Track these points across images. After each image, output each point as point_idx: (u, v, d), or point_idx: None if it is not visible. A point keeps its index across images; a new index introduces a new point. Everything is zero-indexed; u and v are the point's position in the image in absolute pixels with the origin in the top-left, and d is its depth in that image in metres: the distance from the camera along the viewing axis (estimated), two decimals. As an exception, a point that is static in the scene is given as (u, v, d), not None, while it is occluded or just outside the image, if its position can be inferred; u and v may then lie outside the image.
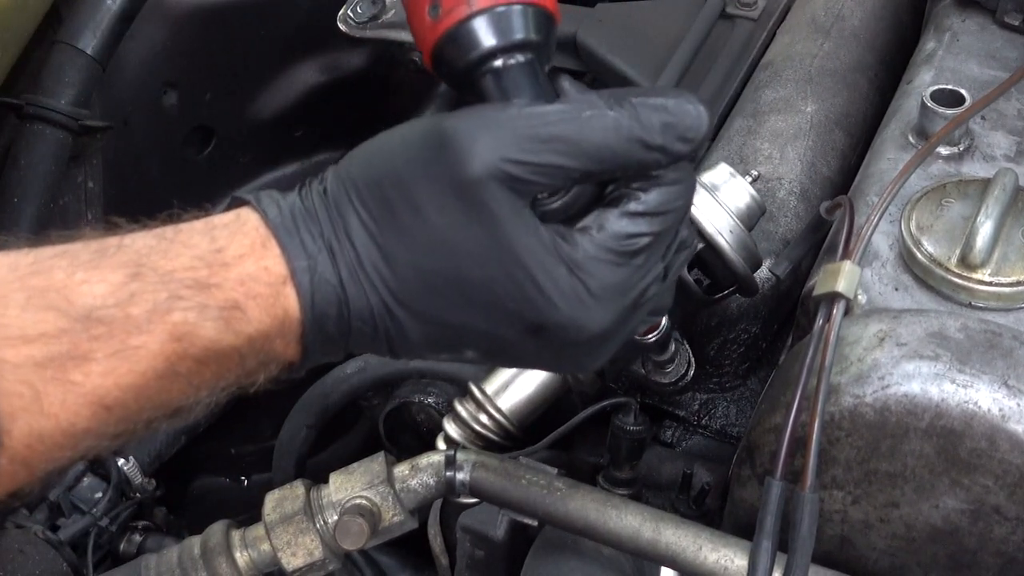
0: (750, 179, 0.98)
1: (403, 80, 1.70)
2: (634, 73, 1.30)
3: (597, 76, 1.40)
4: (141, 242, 0.63)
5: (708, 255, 0.93)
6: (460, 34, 0.69)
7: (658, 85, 1.25)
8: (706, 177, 0.96)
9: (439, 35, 0.70)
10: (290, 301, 0.64)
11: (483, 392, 0.96)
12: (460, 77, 0.71)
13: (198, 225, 0.65)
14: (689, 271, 0.94)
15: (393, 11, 1.47)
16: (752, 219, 0.97)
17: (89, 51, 1.33)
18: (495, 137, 0.64)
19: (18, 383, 0.57)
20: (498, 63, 0.70)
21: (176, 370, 0.62)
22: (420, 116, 1.51)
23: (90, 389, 0.59)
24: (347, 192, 0.65)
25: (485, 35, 0.69)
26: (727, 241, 0.92)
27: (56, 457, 0.60)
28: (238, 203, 0.67)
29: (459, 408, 0.97)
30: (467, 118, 0.65)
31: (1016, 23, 1.13)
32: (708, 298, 0.98)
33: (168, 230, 0.64)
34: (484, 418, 0.96)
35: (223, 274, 0.63)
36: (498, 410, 0.96)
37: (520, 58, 0.70)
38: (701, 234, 0.92)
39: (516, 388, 0.97)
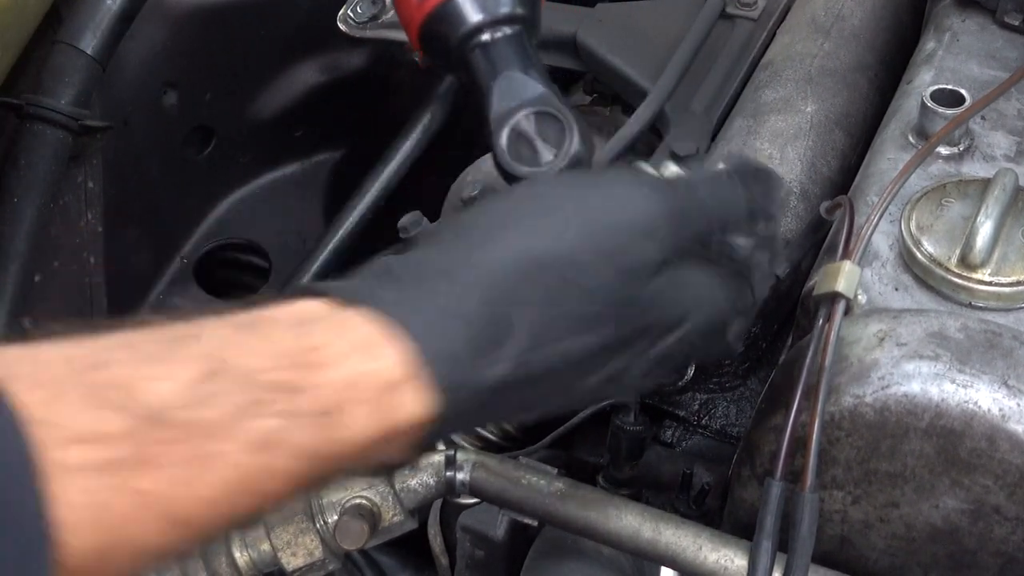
0: None
1: (403, 80, 1.70)
2: (634, 73, 1.30)
3: (597, 76, 1.40)
4: (216, 331, 0.56)
5: None
6: (447, 11, 0.71)
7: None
8: None
9: (426, 13, 0.71)
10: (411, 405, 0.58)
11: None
12: (449, 55, 0.72)
13: (281, 316, 0.58)
14: None
15: (393, 11, 1.46)
16: None
17: (89, 51, 1.33)
18: None
19: (77, 492, 0.48)
20: (486, 37, 0.71)
21: (260, 481, 0.55)
22: (426, 119, 1.51)
23: (158, 499, 0.51)
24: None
25: (471, 10, 0.71)
26: None
27: None
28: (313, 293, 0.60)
29: (459, 408, 0.97)
30: None
31: (1016, 23, 1.13)
32: None
33: (248, 318, 0.58)
34: (484, 418, 0.96)
35: (318, 376, 0.56)
36: (498, 410, 0.96)
37: (507, 31, 0.72)
38: None
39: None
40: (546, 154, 0.67)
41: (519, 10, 0.71)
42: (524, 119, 0.68)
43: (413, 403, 0.58)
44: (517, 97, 0.68)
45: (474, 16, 0.70)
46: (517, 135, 0.68)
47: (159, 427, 0.51)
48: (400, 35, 1.44)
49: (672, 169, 0.71)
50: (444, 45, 0.71)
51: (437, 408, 0.58)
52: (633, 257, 0.63)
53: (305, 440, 0.55)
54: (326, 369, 0.56)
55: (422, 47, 0.73)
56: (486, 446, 0.97)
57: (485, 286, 0.60)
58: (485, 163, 1.23)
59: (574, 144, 0.67)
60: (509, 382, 0.60)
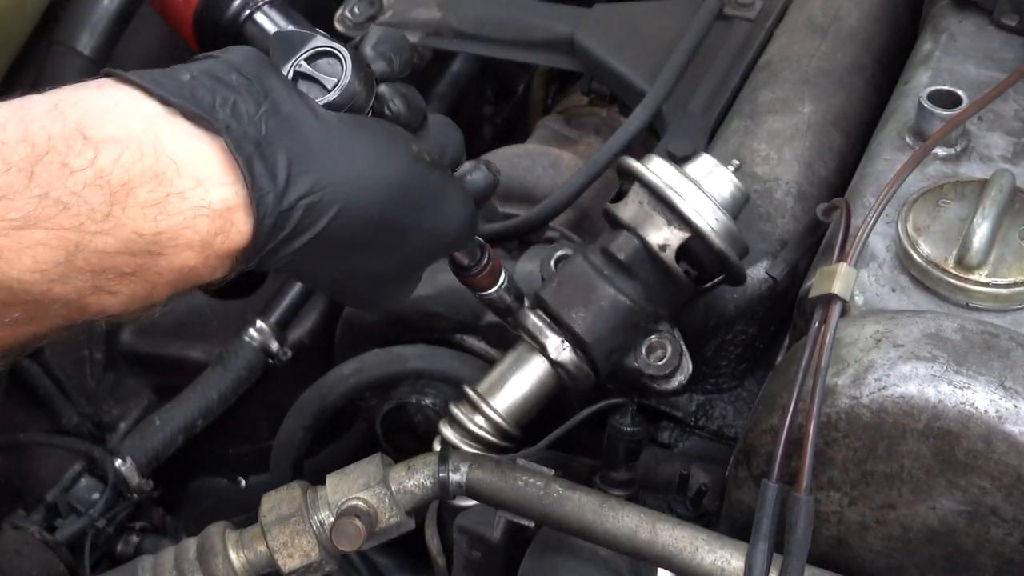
0: (732, 168, 0.99)
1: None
2: (631, 74, 1.30)
3: (594, 76, 1.40)
4: (88, 201, 0.61)
5: (695, 244, 0.94)
6: (212, 2, 0.85)
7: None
8: (689, 169, 0.97)
9: (195, 6, 0.84)
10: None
11: (478, 393, 0.96)
12: (226, 37, 0.84)
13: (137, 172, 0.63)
14: (677, 262, 0.94)
15: (391, 11, 1.47)
16: (736, 207, 0.98)
17: (86, 52, 1.33)
18: None
19: None
20: (251, 12, 0.85)
21: (66, 331, 0.65)
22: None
23: None
24: None
25: None
26: (713, 229, 0.93)
27: None
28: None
29: (455, 410, 0.97)
30: None
31: (1013, 24, 1.13)
32: (697, 288, 0.98)
33: (126, 182, 0.62)
34: (480, 419, 0.96)
35: (153, 264, 0.64)
36: (493, 410, 0.96)
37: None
38: (687, 223, 0.93)
39: (510, 388, 0.97)
40: (329, 85, 0.74)
41: None
42: (303, 62, 0.73)
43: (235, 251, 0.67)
44: (293, 47, 0.74)
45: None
46: (304, 77, 0.73)
47: (8, 295, 0.59)
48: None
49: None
50: (217, 31, 0.83)
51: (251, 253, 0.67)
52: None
53: (119, 309, 0.64)
54: (161, 258, 0.64)
55: (197, 40, 0.85)
56: (484, 448, 0.96)
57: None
58: None
59: (347, 77, 0.73)
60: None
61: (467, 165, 0.83)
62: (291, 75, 0.72)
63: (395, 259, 0.77)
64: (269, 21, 0.85)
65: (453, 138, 0.82)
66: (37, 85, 1.32)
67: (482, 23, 1.43)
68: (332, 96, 0.72)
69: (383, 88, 0.77)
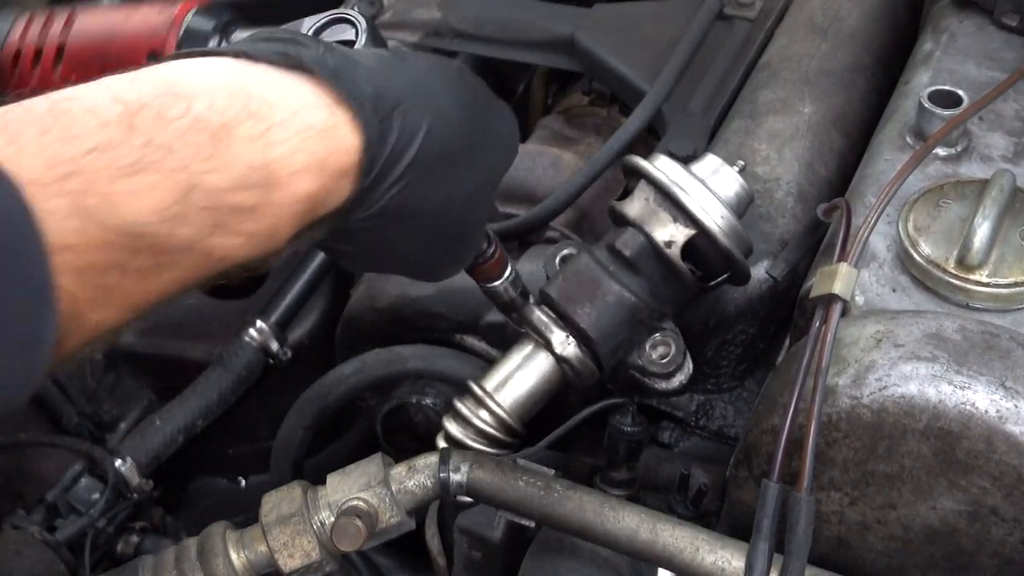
0: (737, 168, 0.99)
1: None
2: (632, 74, 1.30)
3: (595, 76, 1.40)
4: (187, 136, 0.61)
5: (701, 242, 0.94)
6: (188, 36, 0.91)
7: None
8: (695, 168, 0.97)
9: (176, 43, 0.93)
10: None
11: (483, 389, 0.96)
12: None
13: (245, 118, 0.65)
14: (682, 260, 0.94)
15: (391, 11, 1.47)
16: (741, 207, 0.98)
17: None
18: None
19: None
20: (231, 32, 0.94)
21: (208, 278, 0.64)
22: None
23: (122, 293, 0.59)
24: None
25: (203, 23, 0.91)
26: (719, 227, 0.93)
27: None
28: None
29: (459, 406, 0.97)
30: None
31: (1014, 24, 1.13)
32: (702, 285, 0.98)
33: (210, 120, 0.63)
34: (485, 414, 0.96)
35: (271, 197, 0.64)
36: (499, 405, 0.96)
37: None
38: (693, 220, 0.93)
39: (515, 383, 0.97)
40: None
41: None
42: (314, 26, 0.77)
43: (336, 203, 0.69)
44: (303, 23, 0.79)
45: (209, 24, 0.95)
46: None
47: (132, 239, 0.58)
48: (398, 36, 1.44)
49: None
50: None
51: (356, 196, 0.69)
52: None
53: (244, 253, 0.65)
54: (279, 190, 0.64)
55: None
56: (488, 443, 0.96)
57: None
58: None
59: (361, 41, 0.76)
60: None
61: None
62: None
63: (482, 171, 0.79)
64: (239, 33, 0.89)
65: None
66: (37, 85, 1.32)
67: (482, 23, 1.43)
68: None
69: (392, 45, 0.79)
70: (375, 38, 0.73)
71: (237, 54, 0.67)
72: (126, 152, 0.58)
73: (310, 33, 0.72)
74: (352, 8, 1.44)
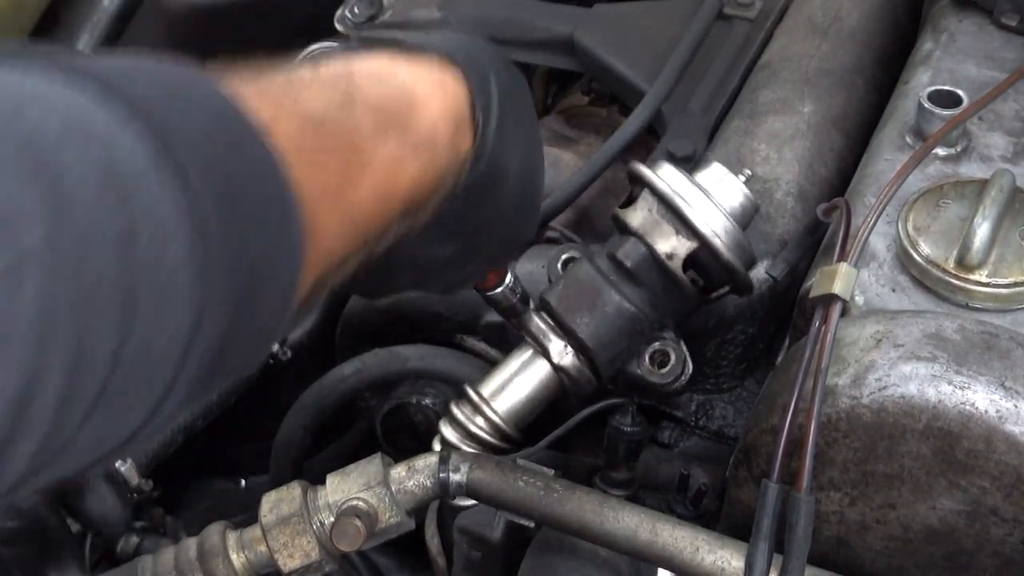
0: (743, 178, 0.98)
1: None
2: (631, 74, 1.30)
3: (594, 76, 1.40)
4: (328, 76, 0.64)
5: (703, 255, 0.93)
6: None
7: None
8: (700, 177, 0.97)
9: None
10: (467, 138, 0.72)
11: (479, 394, 0.96)
12: None
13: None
14: (684, 271, 0.94)
15: (391, 11, 1.46)
16: (746, 218, 0.98)
17: (86, 51, 1.33)
18: None
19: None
20: None
21: (387, 204, 0.66)
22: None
23: (335, 198, 0.60)
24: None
25: None
26: (722, 240, 0.92)
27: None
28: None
29: (455, 411, 0.97)
30: None
31: (1013, 24, 1.13)
32: (703, 298, 0.98)
33: (344, 68, 0.66)
34: (481, 421, 0.96)
35: (419, 112, 0.67)
36: (495, 412, 0.95)
37: None
38: (696, 234, 0.92)
39: (512, 390, 0.97)
40: None
41: None
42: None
43: (466, 145, 0.72)
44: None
45: None
46: None
47: (323, 130, 0.60)
48: (398, 36, 1.44)
49: None
50: None
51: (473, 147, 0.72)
52: None
53: (416, 169, 0.67)
54: (422, 107, 0.67)
55: None
56: (483, 449, 0.96)
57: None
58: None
59: None
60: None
61: None
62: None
63: (533, 128, 0.83)
64: None
65: None
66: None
67: (482, 23, 1.42)
68: None
69: None
70: None
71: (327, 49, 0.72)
72: (277, 77, 0.61)
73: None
74: (348, 14, 1.44)
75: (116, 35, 1.37)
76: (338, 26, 1.45)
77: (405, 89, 0.68)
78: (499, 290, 0.93)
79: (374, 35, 0.74)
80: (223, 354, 0.51)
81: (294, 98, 0.59)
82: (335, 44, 0.75)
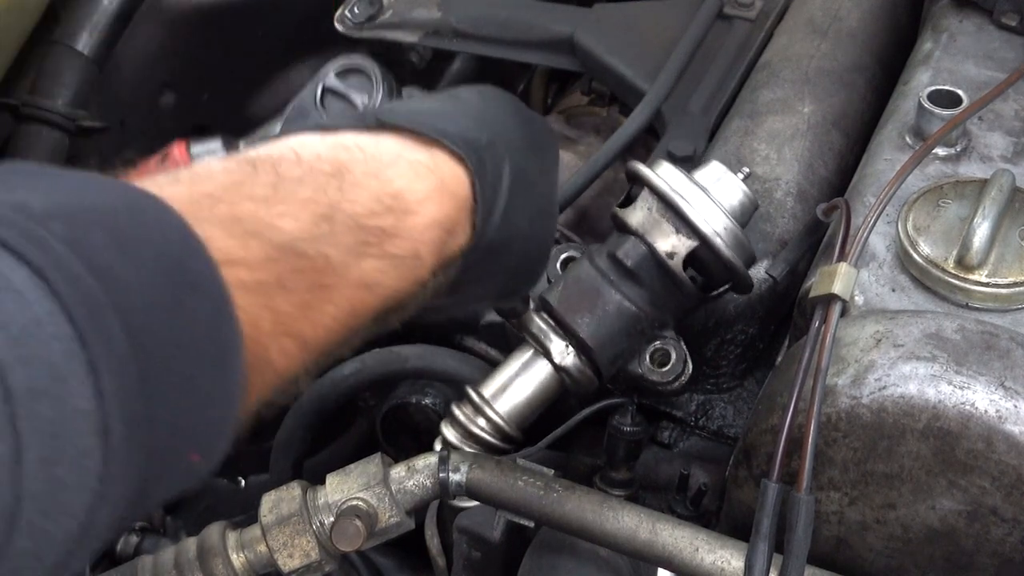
0: (742, 176, 0.98)
1: (401, 80, 1.70)
2: (631, 74, 1.30)
3: (594, 76, 1.40)
4: (314, 177, 0.63)
5: (703, 253, 0.93)
6: None
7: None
8: (699, 175, 0.97)
9: None
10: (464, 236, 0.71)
11: (480, 396, 0.96)
12: None
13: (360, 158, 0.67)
14: (684, 270, 0.94)
15: (391, 11, 1.46)
16: (745, 216, 0.98)
17: (86, 52, 1.33)
18: None
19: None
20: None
21: (359, 315, 0.64)
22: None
23: (291, 321, 0.59)
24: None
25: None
26: (722, 239, 0.93)
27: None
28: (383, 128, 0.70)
29: (456, 412, 0.97)
30: None
31: (1013, 24, 1.13)
32: (703, 295, 0.98)
33: (336, 164, 0.65)
34: (482, 421, 0.96)
35: (407, 222, 0.66)
36: (497, 413, 0.95)
37: None
38: (696, 232, 0.93)
39: (514, 391, 0.97)
40: (359, 101, 0.74)
41: None
42: (332, 77, 0.74)
43: (460, 241, 0.71)
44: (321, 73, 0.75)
45: None
46: (332, 93, 0.74)
47: (291, 256, 0.58)
48: (397, 35, 1.44)
49: None
50: None
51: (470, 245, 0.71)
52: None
53: (394, 281, 0.65)
54: (412, 216, 0.66)
55: None
56: (484, 450, 0.96)
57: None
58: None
59: (379, 94, 0.74)
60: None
61: None
62: (320, 92, 0.73)
63: (549, 183, 0.81)
64: None
65: None
66: (37, 85, 1.32)
67: (482, 23, 1.43)
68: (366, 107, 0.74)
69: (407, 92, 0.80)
70: (389, 83, 0.74)
71: (313, 128, 0.69)
72: (258, 187, 0.60)
73: (331, 77, 0.73)
74: (348, 14, 1.44)
75: (116, 36, 1.37)
76: (338, 26, 1.45)
77: (399, 196, 0.66)
78: None
79: (394, 111, 0.71)
80: (141, 502, 0.51)
81: (269, 222, 0.58)
82: (364, 60, 0.74)
